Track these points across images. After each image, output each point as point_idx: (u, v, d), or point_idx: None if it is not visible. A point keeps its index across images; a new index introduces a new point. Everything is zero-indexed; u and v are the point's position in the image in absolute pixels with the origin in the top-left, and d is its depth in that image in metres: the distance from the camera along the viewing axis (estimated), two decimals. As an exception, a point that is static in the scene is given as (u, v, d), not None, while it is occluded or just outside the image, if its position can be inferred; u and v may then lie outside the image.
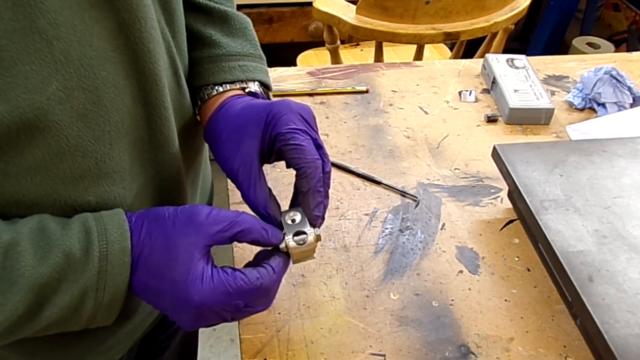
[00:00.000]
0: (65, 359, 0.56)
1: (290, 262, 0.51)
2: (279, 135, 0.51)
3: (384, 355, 0.57)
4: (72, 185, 0.46)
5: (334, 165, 0.77)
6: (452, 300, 0.62)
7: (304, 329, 0.59)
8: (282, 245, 0.50)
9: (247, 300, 0.47)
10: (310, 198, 0.51)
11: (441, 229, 0.70)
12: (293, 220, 0.51)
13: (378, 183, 0.75)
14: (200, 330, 0.97)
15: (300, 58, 1.80)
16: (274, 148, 0.52)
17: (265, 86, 0.62)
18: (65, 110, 0.42)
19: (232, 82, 0.59)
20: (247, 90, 0.59)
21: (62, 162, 0.44)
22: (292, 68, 0.98)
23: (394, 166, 0.78)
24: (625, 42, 2.39)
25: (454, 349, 0.57)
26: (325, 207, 0.52)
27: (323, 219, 0.53)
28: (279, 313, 0.60)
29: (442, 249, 0.67)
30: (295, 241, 0.50)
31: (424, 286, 0.63)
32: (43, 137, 0.42)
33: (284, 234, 0.51)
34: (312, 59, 1.80)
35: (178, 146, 0.55)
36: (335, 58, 1.44)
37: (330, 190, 0.72)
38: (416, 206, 0.73)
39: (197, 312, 0.46)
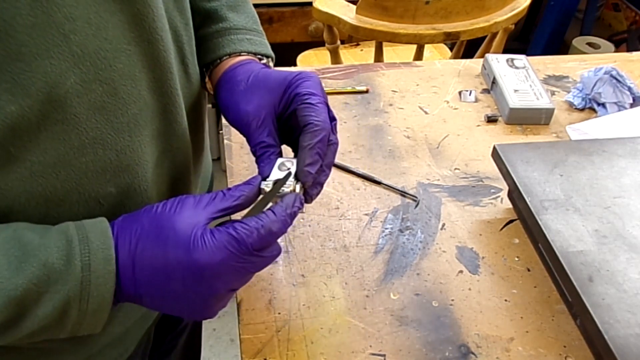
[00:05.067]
0: (75, 353, 0.55)
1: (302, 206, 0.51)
2: (297, 95, 0.53)
3: (384, 355, 0.57)
4: (94, 178, 0.46)
5: (334, 165, 0.77)
6: (452, 300, 0.62)
7: (304, 329, 0.59)
8: (263, 187, 0.50)
9: (255, 244, 0.45)
10: (309, 153, 0.51)
11: (441, 229, 0.70)
12: (283, 168, 0.52)
13: (378, 183, 0.75)
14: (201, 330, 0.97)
15: (300, 58, 1.80)
16: (289, 110, 0.54)
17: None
18: (83, 103, 0.42)
19: (244, 53, 0.60)
20: (262, 62, 0.61)
21: (83, 155, 0.44)
22: (292, 68, 0.98)
23: (394, 166, 0.78)
24: (625, 42, 2.39)
25: (454, 349, 0.57)
26: (319, 172, 0.52)
27: (319, 185, 0.53)
28: (279, 313, 0.60)
29: (442, 249, 0.67)
30: (271, 187, 0.50)
31: (424, 286, 0.63)
32: (64, 131, 0.42)
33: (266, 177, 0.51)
34: (312, 59, 1.80)
35: (189, 134, 0.56)
36: (335, 58, 1.44)
37: (331, 190, 0.73)
38: (416, 206, 0.73)
39: (212, 276, 0.44)
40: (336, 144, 0.54)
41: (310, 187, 0.52)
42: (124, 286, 0.44)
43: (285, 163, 0.52)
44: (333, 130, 0.54)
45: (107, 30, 0.43)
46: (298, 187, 0.51)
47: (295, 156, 0.53)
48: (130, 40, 0.45)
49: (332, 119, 0.54)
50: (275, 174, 0.51)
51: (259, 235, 0.45)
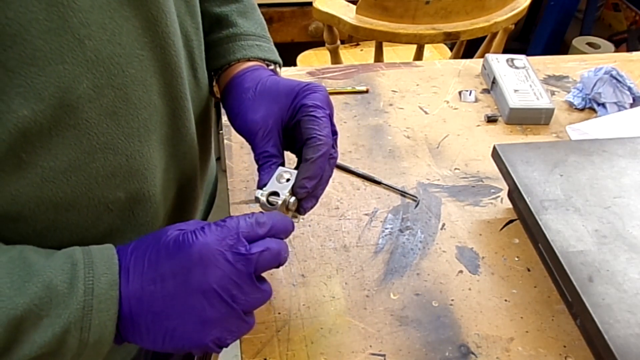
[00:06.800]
0: None
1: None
2: (303, 106, 0.53)
3: (384, 355, 0.57)
4: (104, 183, 0.46)
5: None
6: (452, 300, 0.62)
7: (304, 329, 0.59)
8: (257, 196, 0.51)
9: (244, 231, 0.45)
10: (310, 167, 0.51)
11: (441, 229, 0.70)
12: (282, 179, 0.52)
13: (378, 183, 0.75)
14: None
15: (300, 58, 1.80)
16: (294, 119, 0.54)
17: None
18: (95, 108, 0.42)
19: (253, 59, 0.61)
20: (270, 68, 0.61)
21: (94, 160, 0.44)
22: (292, 68, 0.98)
23: (394, 166, 0.78)
24: (625, 42, 2.39)
25: (454, 349, 0.57)
26: (316, 186, 0.52)
27: (314, 199, 0.53)
28: (279, 313, 0.60)
29: (442, 249, 0.67)
30: (267, 200, 0.51)
31: (424, 286, 0.63)
32: (75, 136, 0.42)
33: (264, 186, 0.52)
34: (312, 59, 1.80)
35: (196, 139, 0.56)
36: (335, 58, 1.44)
37: (331, 190, 0.73)
38: (416, 206, 0.73)
39: (200, 258, 0.42)
40: (336, 158, 0.55)
41: (306, 201, 0.53)
42: (122, 311, 0.43)
43: (284, 174, 0.52)
44: (334, 144, 0.54)
45: (121, 35, 0.43)
46: (292, 199, 0.52)
47: (296, 167, 0.54)
48: (143, 45, 0.45)
49: (334, 133, 0.55)
50: (273, 184, 0.52)
51: (247, 223, 0.45)
